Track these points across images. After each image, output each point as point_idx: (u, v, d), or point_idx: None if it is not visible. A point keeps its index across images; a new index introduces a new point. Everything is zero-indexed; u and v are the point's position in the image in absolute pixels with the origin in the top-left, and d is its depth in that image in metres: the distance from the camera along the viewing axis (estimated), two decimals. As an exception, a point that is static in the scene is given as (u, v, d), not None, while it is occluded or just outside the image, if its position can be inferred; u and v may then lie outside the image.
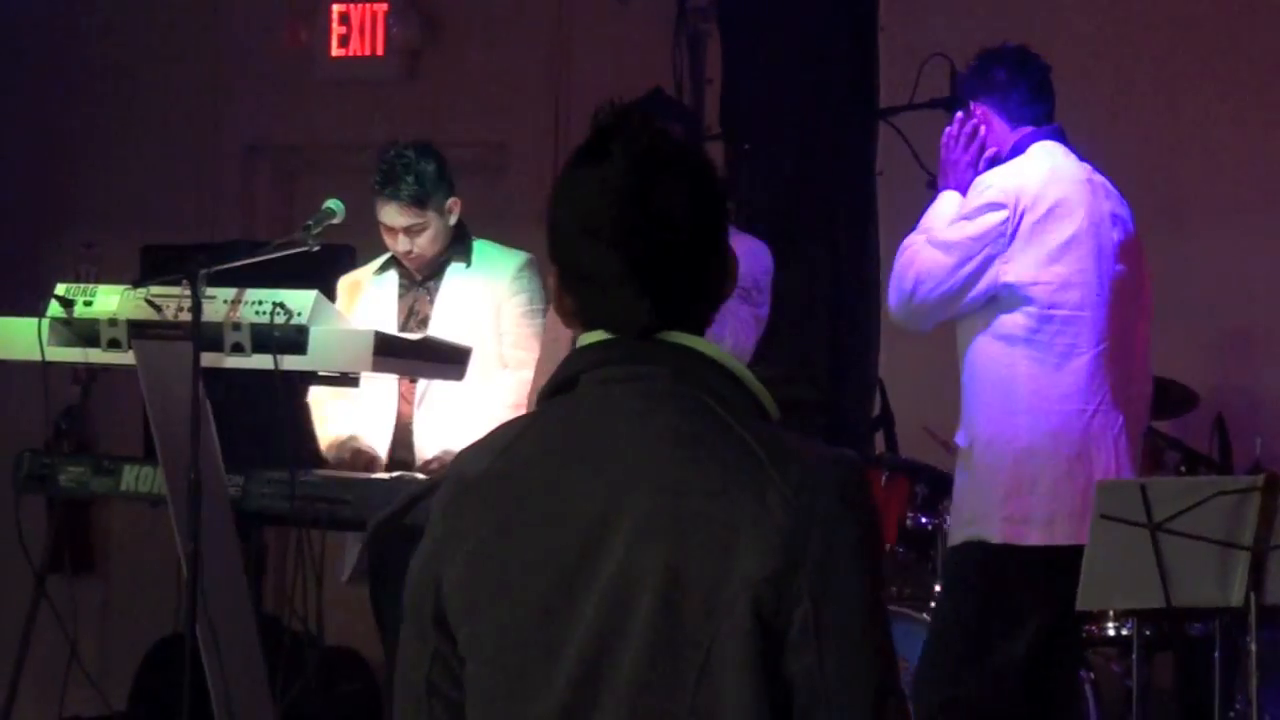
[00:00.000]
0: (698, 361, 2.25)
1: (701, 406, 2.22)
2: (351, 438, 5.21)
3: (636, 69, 7.24)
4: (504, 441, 2.30)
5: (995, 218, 4.66)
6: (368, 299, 5.29)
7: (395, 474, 4.98)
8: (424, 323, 5.20)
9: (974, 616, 4.72)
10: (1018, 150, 4.78)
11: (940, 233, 4.74)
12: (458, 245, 5.24)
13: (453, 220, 5.22)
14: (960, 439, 4.82)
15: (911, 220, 6.65)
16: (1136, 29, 6.86)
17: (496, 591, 2.23)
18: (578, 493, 2.21)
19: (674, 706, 2.14)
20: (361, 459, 5.13)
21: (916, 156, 5.52)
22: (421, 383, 5.14)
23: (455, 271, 5.23)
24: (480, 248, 5.27)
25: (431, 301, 5.24)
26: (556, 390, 2.30)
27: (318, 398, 5.26)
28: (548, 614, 2.20)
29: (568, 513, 2.21)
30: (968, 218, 4.70)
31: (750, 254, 5.05)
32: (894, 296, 4.83)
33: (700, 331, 2.28)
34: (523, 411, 4.99)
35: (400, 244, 5.17)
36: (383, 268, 5.33)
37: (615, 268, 2.24)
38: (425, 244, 5.18)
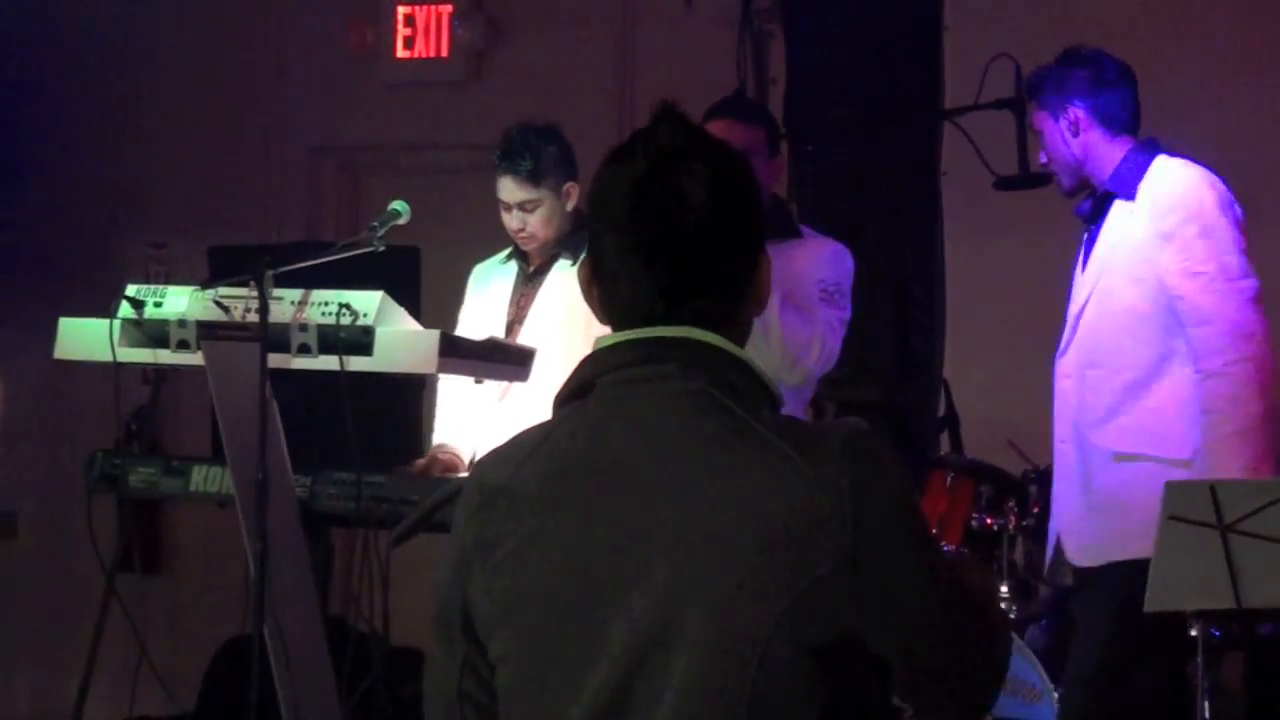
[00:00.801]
0: (707, 353, 2.26)
1: (716, 404, 2.23)
2: (439, 447, 5.22)
3: (701, 70, 7.24)
4: (526, 449, 2.31)
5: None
6: (487, 289, 5.30)
7: (463, 475, 4.98)
8: (525, 320, 5.20)
9: (1137, 629, 4.62)
10: (1133, 162, 4.71)
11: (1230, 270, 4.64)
12: (571, 240, 5.20)
13: (569, 205, 5.19)
14: (1175, 450, 4.70)
15: (976, 221, 6.65)
16: (1201, 24, 6.81)
17: (527, 601, 2.23)
18: (606, 503, 2.22)
19: (733, 705, 2.14)
20: (436, 467, 5.13)
21: (981, 157, 5.48)
22: (504, 382, 5.13)
23: (561, 268, 5.21)
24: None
25: (533, 298, 5.24)
26: (574, 394, 2.31)
27: (441, 397, 5.27)
28: (581, 623, 2.20)
29: (597, 524, 2.21)
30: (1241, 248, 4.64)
31: (832, 257, 5.03)
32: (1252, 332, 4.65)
33: (728, 331, 2.28)
34: None
35: (514, 220, 5.16)
36: (507, 257, 5.33)
37: (631, 261, 2.27)
38: (537, 223, 5.16)
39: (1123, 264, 4.73)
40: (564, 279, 5.17)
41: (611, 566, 2.19)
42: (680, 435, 2.22)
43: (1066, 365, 4.85)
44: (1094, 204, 4.88)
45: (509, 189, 5.14)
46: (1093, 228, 4.90)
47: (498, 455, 2.35)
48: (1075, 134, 4.79)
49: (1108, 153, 4.78)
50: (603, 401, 2.28)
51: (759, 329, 4.74)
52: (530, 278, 5.26)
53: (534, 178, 5.11)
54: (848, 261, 5.07)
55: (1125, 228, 4.75)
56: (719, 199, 2.26)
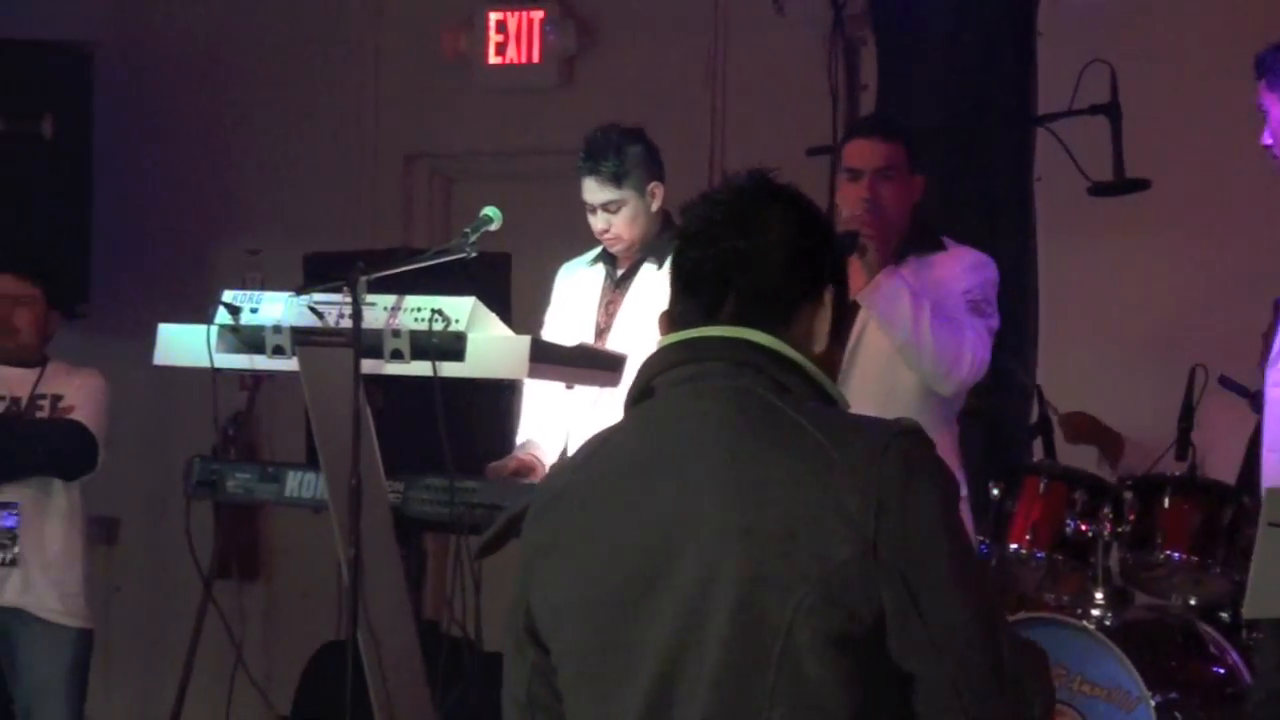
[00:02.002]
0: (753, 351, 2.33)
1: (759, 399, 2.30)
2: (521, 447, 5.24)
3: (791, 76, 7.24)
4: (586, 454, 2.41)
5: None
6: (575, 291, 5.32)
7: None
8: (611, 325, 5.20)
9: None
10: None
11: None
12: (657, 243, 5.20)
13: (655, 205, 5.20)
14: None
15: (1071, 227, 6.61)
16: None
17: (578, 600, 2.31)
18: (650, 499, 2.29)
19: (757, 694, 2.20)
20: (522, 467, 5.15)
21: (1076, 162, 5.46)
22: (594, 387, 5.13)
23: (648, 272, 5.21)
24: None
25: (620, 303, 5.24)
26: (638, 397, 2.40)
27: (526, 399, 5.29)
28: (627, 618, 2.27)
29: (641, 519, 2.28)
30: None
31: (975, 266, 5.01)
32: None
33: (783, 336, 2.35)
34: None
35: (598, 221, 5.16)
36: (595, 259, 5.34)
37: (706, 269, 2.39)
38: (622, 224, 5.16)
39: None
40: (651, 284, 5.17)
41: (649, 563, 2.26)
42: (719, 431, 2.29)
43: (1277, 374, 4.75)
44: None
45: (592, 189, 5.14)
46: None
47: (563, 461, 2.49)
48: None
49: None
50: (658, 403, 2.37)
51: (912, 345, 4.73)
52: (618, 283, 5.27)
53: (617, 178, 5.11)
54: (991, 271, 5.02)
55: None
56: (794, 230, 2.39)
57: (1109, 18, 6.66)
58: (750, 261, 2.36)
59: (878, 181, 4.90)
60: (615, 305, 5.24)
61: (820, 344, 2.38)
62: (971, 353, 4.81)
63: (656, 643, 2.25)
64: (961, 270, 4.96)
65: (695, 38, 7.58)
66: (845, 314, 2.44)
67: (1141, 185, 5.53)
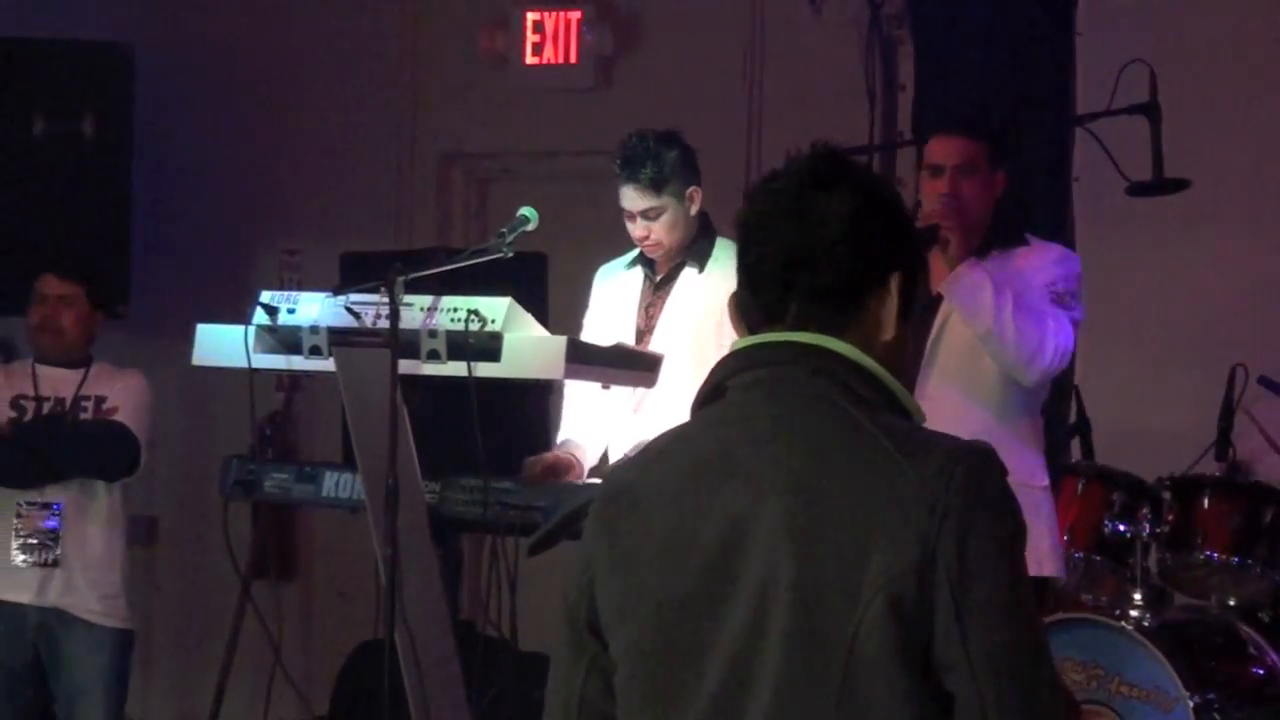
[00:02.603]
0: (831, 360, 2.30)
1: (833, 405, 2.27)
2: (560, 445, 5.24)
3: (829, 75, 7.23)
4: (654, 452, 2.38)
5: None
6: (614, 294, 5.31)
7: (590, 481, 5.00)
8: (654, 328, 5.20)
9: None
10: None
11: None
12: (697, 247, 5.20)
13: (693, 210, 5.19)
14: None
15: (1109, 226, 6.59)
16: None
17: (643, 598, 2.29)
18: (717, 500, 2.27)
19: (821, 702, 2.17)
20: (559, 464, 5.15)
21: (1115, 162, 5.44)
22: (641, 389, 5.13)
23: (688, 276, 5.21)
24: (720, 252, 5.18)
25: (662, 306, 5.24)
26: (708, 399, 2.38)
27: (566, 399, 5.30)
28: (692, 618, 2.25)
29: (708, 520, 2.26)
30: None
31: (1057, 260, 5.03)
32: None
33: (855, 339, 2.32)
34: None
35: (638, 228, 5.16)
36: (633, 262, 5.34)
37: (767, 267, 2.34)
38: (661, 230, 5.16)
39: None
40: (692, 288, 5.17)
41: (715, 565, 2.24)
42: (789, 434, 2.27)
43: None
44: None
45: (631, 197, 5.14)
46: None
47: (630, 458, 2.43)
48: None
49: None
50: (730, 404, 2.34)
51: (994, 335, 4.75)
52: (658, 286, 5.26)
53: (656, 185, 5.10)
54: (1074, 264, 5.05)
55: None
56: (858, 222, 2.33)
57: (1147, 18, 6.64)
58: (810, 258, 2.32)
59: (958, 177, 4.96)
60: (656, 308, 5.24)
61: (888, 331, 2.34)
62: (1054, 342, 4.83)
63: (720, 646, 2.23)
64: (1045, 263, 4.99)
65: (732, 38, 7.57)
66: (915, 296, 2.39)
67: (1181, 185, 5.51)
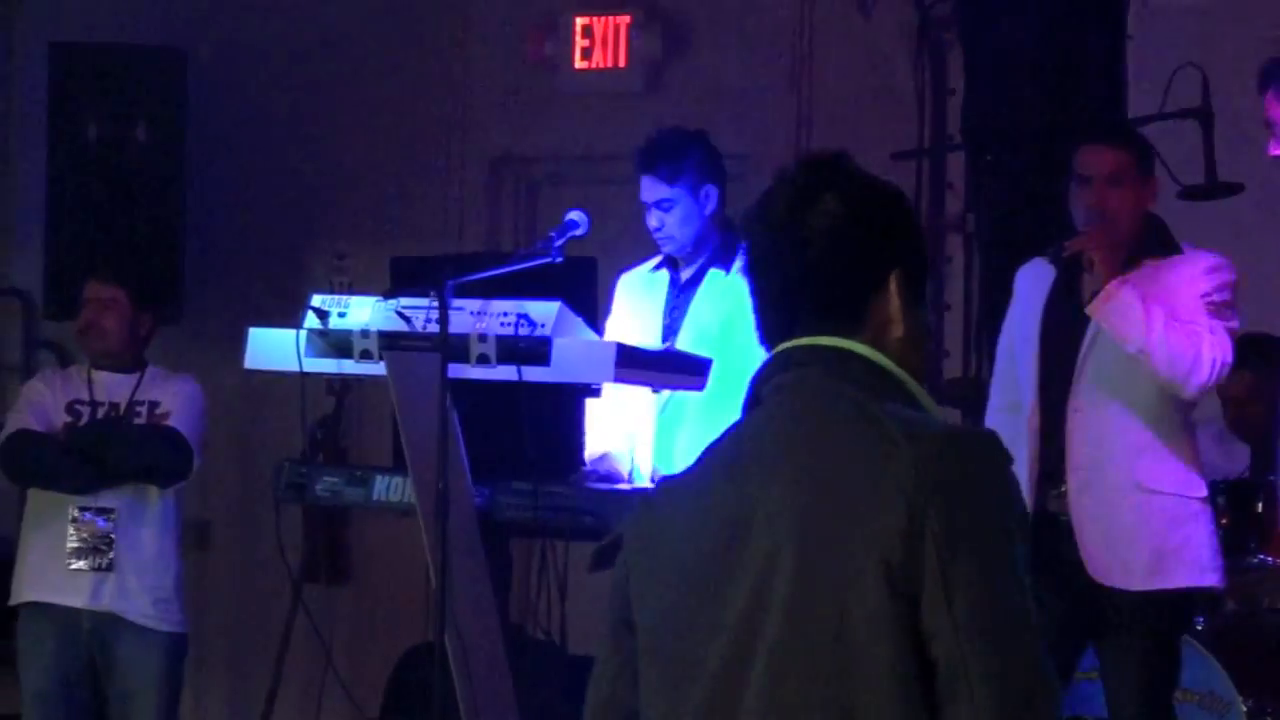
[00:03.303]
0: (848, 358, 2.40)
1: (846, 398, 2.37)
2: (602, 456, 5.25)
3: (878, 80, 7.22)
4: (700, 455, 2.49)
5: None
6: (637, 299, 5.33)
7: (639, 485, 5.00)
8: (678, 330, 5.21)
9: None
10: None
11: None
12: (722, 249, 5.22)
13: (709, 209, 5.21)
14: None
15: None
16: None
17: (662, 583, 2.40)
18: (731, 489, 2.37)
19: (813, 669, 2.26)
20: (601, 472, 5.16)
21: (1167, 167, 5.42)
22: (665, 391, 5.14)
23: (714, 279, 5.24)
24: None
25: (686, 309, 5.25)
26: (749, 407, 2.48)
27: (594, 407, 5.30)
28: (703, 598, 2.35)
29: (722, 507, 2.37)
30: None
31: (1211, 269, 5.00)
32: None
33: (871, 338, 2.41)
34: None
35: (652, 219, 5.23)
36: (656, 266, 5.36)
37: (769, 297, 2.47)
38: (674, 223, 5.20)
39: None
40: (717, 290, 5.19)
41: (724, 548, 2.34)
42: (804, 426, 2.37)
43: None
44: None
45: (646, 187, 5.22)
46: None
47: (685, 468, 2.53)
48: None
49: None
50: (762, 409, 2.44)
51: (1147, 354, 4.74)
52: (683, 288, 5.27)
53: (669, 177, 5.16)
54: (1228, 273, 5.02)
55: None
56: (837, 233, 2.42)
57: (1200, 22, 6.61)
58: (802, 282, 2.42)
59: (1106, 188, 4.95)
60: (680, 311, 5.25)
61: (897, 328, 2.43)
62: (1211, 356, 4.82)
63: (726, 622, 2.31)
64: (1198, 274, 4.97)
65: (781, 41, 7.57)
66: (922, 287, 2.47)
67: (1234, 190, 5.49)
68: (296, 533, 7.14)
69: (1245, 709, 5.33)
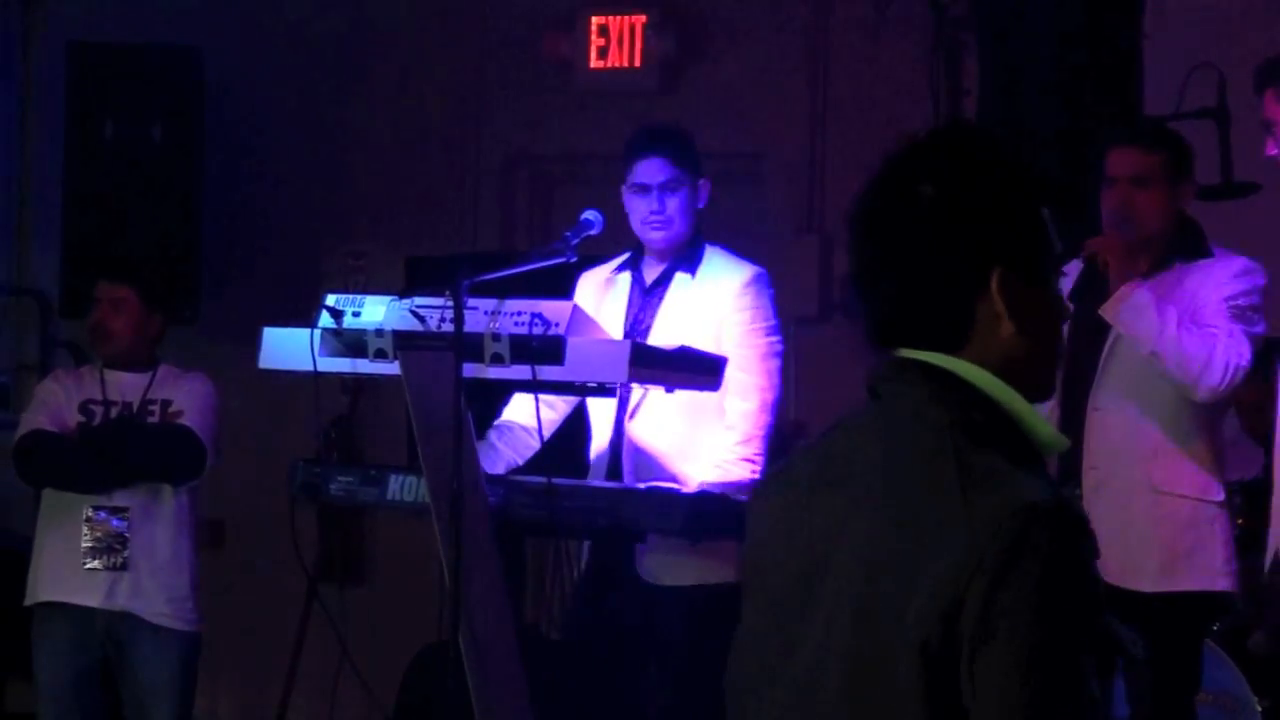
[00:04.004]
0: (953, 385, 2.26)
1: (935, 433, 2.23)
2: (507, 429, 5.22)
3: (894, 80, 7.20)
4: (793, 458, 2.44)
5: None
6: (600, 298, 5.22)
7: (650, 485, 4.99)
8: (646, 332, 5.15)
9: None
10: None
11: None
12: (688, 252, 5.18)
13: (700, 203, 5.17)
14: None
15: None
16: None
17: (757, 592, 2.37)
18: (817, 508, 2.30)
19: (892, 682, 2.17)
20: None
21: (1182, 166, 5.41)
22: (636, 394, 5.10)
23: (680, 283, 5.15)
24: (711, 257, 5.15)
25: (654, 313, 5.19)
26: (869, 395, 2.36)
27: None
28: (780, 625, 2.30)
29: (805, 527, 2.31)
30: None
31: (1239, 272, 4.99)
32: None
33: (972, 351, 2.27)
34: (741, 443, 5.00)
35: (650, 203, 5.10)
36: (619, 268, 5.28)
37: (865, 303, 2.32)
38: (675, 208, 5.10)
39: None
40: (685, 293, 5.13)
41: (808, 575, 2.28)
42: (894, 456, 2.26)
43: None
44: None
45: (651, 169, 5.10)
46: None
47: (777, 466, 2.54)
48: None
49: None
50: (867, 413, 2.33)
51: (1159, 356, 4.73)
52: (648, 290, 5.21)
53: (678, 159, 5.10)
54: (1257, 277, 5.00)
55: None
56: (921, 236, 2.27)
57: (1215, 21, 6.59)
58: (897, 276, 2.28)
59: (1131, 190, 4.94)
60: (648, 315, 5.17)
61: (1005, 329, 2.26)
62: (1224, 360, 4.80)
63: (803, 656, 2.27)
64: (1225, 277, 4.95)
65: (797, 41, 7.56)
66: (1039, 274, 2.29)
67: (1250, 189, 5.47)
68: (311, 532, 7.15)
69: (1261, 710, 5.31)
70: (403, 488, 4.96)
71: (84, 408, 5.84)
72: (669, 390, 5.11)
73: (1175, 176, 5.01)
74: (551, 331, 4.57)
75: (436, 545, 4.67)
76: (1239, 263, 5.03)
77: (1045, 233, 2.30)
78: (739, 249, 5.31)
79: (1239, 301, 4.92)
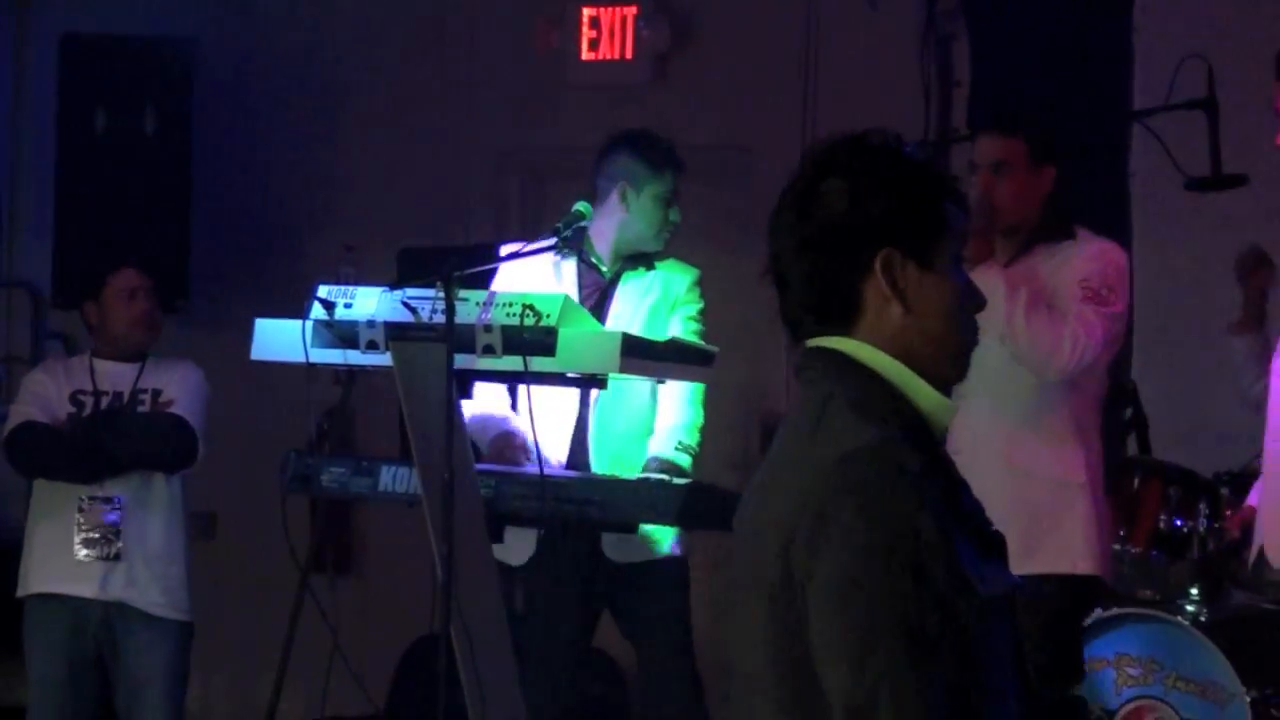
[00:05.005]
0: (842, 363, 2.42)
1: (817, 406, 2.40)
2: (505, 421, 5.27)
3: (885, 72, 7.20)
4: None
5: None
6: (535, 276, 5.28)
7: (642, 475, 5.00)
8: (600, 314, 5.22)
9: None
10: None
11: None
12: (637, 254, 5.37)
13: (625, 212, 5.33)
14: None
15: (1166, 222, 6.54)
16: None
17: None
18: (748, 500, 2.49)
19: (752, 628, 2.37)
20: (514, 444, 5.16)
21: (1172, 158, 5.41)
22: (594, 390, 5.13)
23: (634, 275, 5.33)
24: (660, 260, 5.39)
25: (609, 298, 5.28)
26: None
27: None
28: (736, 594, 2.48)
29: (743, 519, 2.49)
30: None
31: (1096, 254, 5.05)
32: None
33: (877, 334, 2.42)
34: (678, 414, 5.24)
35: (673, 215, 5.32)
36: (562, 252, 5.32)
37: (778, 272, 2.47)
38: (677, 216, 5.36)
39: None
40: (639, 287, 5.32)
41: (739, 548, 2.47)
42: (780, 437, 2.45)
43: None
44: None
45: (670, 182, 5.33)
46: None
47: None
48: None
49: None
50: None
51: (1007, 337, 4.76)
52: (602, 274, 5.34)
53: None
54: (1114, 256, 5.07)
55: None
56: (794, 231, 2.44)
57: (1205, 13, 6.59)
58: (799, 268, 2.43)
59: (992, 176, 4.97)
60: (605, 304, 5.27)
61: (895, 307, 2.41)
62: (1072, 342, 4.83)
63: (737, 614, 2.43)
64: (1081, 260, 4.99)
65: (788, 34, 7.55)
66: (927, 256, 2.42)
67: (1239, 181, 5.47)
68: (303, 523, 7.12)
69: (1249, 700, 5.32)
70: (395, 479, 4.96)
71: (74, 398, 5.83)
72: (660, 382, 5.14)
73: (1036, 163, 5.03)
74: (543, 323, 4.57)
75: (428, 536, 4.67)
76: (1096, 245, 5.07)
77: (942, 222, 2.43)
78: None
79: (1092, 283, 4.94)
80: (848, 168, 2.42)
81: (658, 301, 5.30)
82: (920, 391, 2.42)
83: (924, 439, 2.40)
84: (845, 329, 2.42)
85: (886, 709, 2.22)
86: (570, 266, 5.34)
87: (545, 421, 5.19)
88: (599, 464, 5.20)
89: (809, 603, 2.27)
